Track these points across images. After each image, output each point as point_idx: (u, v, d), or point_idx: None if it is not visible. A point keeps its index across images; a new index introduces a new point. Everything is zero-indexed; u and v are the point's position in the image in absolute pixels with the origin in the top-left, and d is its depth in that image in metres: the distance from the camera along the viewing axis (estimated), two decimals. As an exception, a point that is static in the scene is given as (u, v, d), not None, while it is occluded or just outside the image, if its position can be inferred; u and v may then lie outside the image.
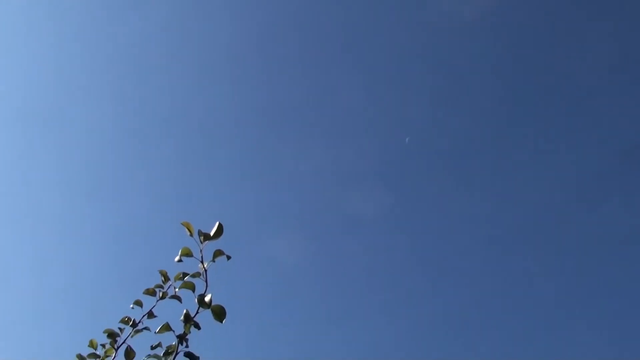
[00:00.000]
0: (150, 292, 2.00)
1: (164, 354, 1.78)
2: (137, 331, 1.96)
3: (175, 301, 1.98)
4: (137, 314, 1.97)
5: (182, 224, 1.78)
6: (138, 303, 1.98)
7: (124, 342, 1.94)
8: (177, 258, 1.78)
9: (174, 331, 1.77)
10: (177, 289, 1.81)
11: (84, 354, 1.92)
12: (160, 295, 1.99)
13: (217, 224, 1.78)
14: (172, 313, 1.91)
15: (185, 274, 1.77)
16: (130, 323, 1.96)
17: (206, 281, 1.77)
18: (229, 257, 1.76)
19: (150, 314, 1.98)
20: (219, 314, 1.75)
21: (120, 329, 1.95)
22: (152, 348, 1.80)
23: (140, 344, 1.93)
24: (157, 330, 1.78)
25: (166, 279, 2.01)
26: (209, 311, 1.77)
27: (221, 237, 1.78)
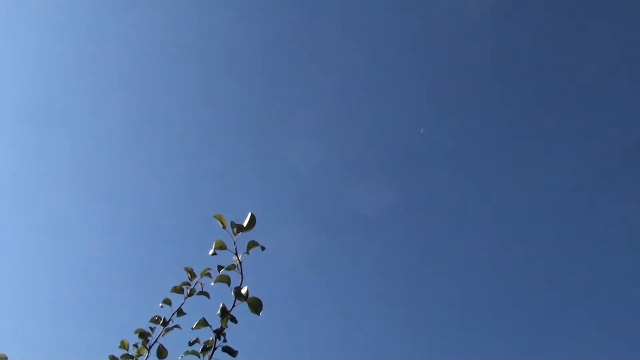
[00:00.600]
0: (178, 290, 1.97)
1: (201, 350, 1.76)
2: (168, 329, 1.93)
3: (209, 297, 1.96)
4: (166, 313, 1.95)
5: (214, 216, 1.76)
6: (167, 301, 1.95)
7: (155, 341, 1.91)
8: (211, 251, 1.76)
9: (210, 326, 1.75)
10: (212, 284, 1.79)
11: (117, 355, 1.89)
12: (188, 292, 1.97)
13: (249, 215, 1.76)
14: (203, 309, 1.89)
15: (220, 267, 1.75)
16: (161, 322, 1.93)
17: (241, 273, 1.75)
18: (263, 248, 1.75)
19: (180, 312, 1.96)
20: (256, 306, 1.74)
21: (151, 328, 1.93)
22: (190, 344, 1.77)
23: (173, 342, 1.91)
24: (194, 326, 1.76)
25: (192, 275, 1.98)
26: (243, 305, 1.76)
27: (254, 228, 1.77)
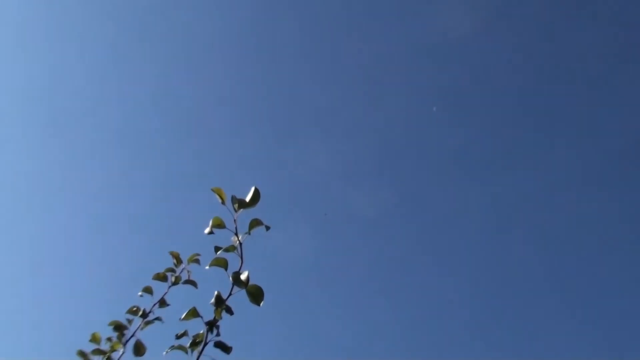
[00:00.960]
0: (161, 277, 1.72)
1: (190, 345, 1.51)
2: (148, 322, 1.68)
3: (196, 286, 1.71)
4: (147, 303, 1.69)
5: (212, 190, 1.52)
6: (148, 290, 1.70)
7: (132, 336, 1.65)
8: (207, 229, 1.51)
9: (202, 317, 1.50)
10: (206, 267, 1.53)
11: (87, 351, 1.62)
12: (173, 280, 1.72)
13: (252, 189, 1.52)
14: (189, 301, 1.64)
15: (217, 248, 1.50)
16: (140, 313, 1.67)
17: (241, 256, 1.51)
18: (268, 228, 1.51)
19: (162, 303, 1.71)
20: (256, 295, 1.49)
21: (128, 320, 1.66)
22: (177, 337, 1.52)
23: (154, 338, 1.65)
24: (183, 317, 1.50)
25: (179, 261, 1.74)
26: (240, 294, 1.52)
27: (258, 205, 1.53)
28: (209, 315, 1.51)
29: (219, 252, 1.50)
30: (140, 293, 1.69)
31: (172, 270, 1.72)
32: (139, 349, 1.63)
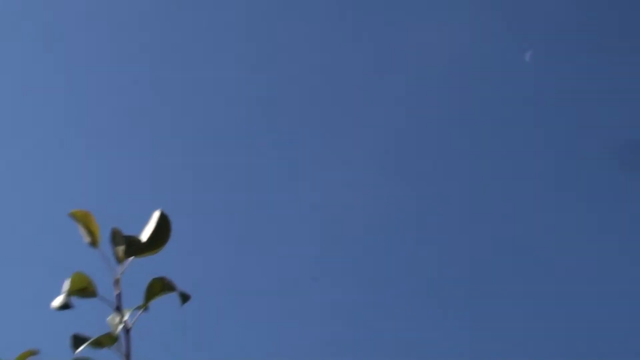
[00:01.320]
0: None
1: None
2: None
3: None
4: None
5: (71, 215, 0.74)
6: None
7: None
8: (58, 301, 0.73)
9: None
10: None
11: None
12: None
13: (156, 214, 0.76)
14: None
15: (79, 339, 0.71)
16: None
17: (127, 356, 0.73)
18: (185, 298, 0.75)
19: None
20: None
21: None
22: None
23: None
24: None
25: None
26: None
27: (165, 247, 0.77)
28: None
29: (81, 348, 0.72)
30: None
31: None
32: None
